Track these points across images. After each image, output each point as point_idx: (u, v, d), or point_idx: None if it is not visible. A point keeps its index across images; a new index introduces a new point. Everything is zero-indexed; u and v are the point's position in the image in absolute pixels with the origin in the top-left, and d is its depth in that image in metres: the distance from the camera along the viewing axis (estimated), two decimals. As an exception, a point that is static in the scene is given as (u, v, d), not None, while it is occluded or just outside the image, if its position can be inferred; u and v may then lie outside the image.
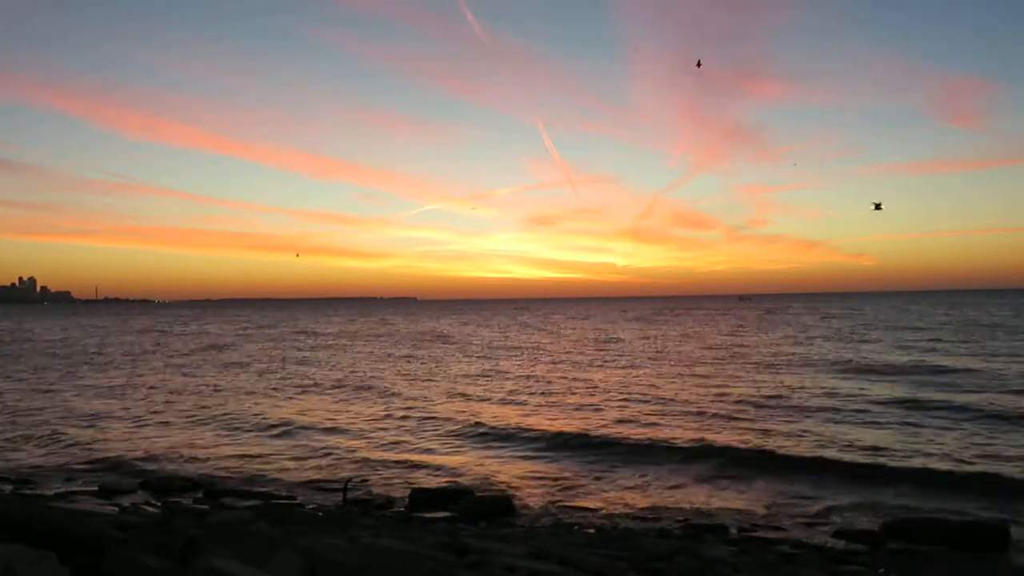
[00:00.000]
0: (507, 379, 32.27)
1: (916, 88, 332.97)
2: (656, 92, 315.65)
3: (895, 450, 16.35)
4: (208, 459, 16.85)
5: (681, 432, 18.94)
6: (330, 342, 60.87)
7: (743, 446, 17.09)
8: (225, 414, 23.24)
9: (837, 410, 21.76)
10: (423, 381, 31.75)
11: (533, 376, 33.22)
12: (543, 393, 27.32)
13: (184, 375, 35.23)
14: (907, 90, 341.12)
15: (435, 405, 24.68)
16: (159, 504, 12.27)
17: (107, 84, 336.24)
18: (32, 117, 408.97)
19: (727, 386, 27.58)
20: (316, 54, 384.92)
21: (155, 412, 23.75)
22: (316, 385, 30.78)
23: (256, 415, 22.96)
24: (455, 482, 14.51)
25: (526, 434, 19.37)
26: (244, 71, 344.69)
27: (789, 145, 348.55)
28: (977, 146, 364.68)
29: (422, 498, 13.11)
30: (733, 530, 11.50)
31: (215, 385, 30.96)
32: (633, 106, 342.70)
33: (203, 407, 24.69)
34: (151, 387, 30.38)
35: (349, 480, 14.25)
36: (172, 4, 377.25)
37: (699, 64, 38.37)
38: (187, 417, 22.82)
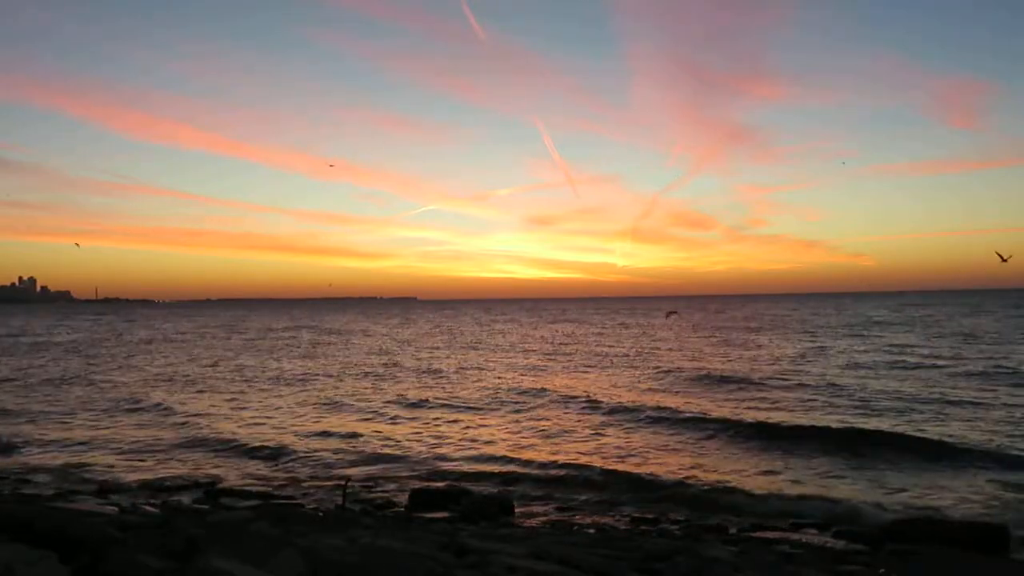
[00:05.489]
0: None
1: (916, 88, 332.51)
2: (656, 92, 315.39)
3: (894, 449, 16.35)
4: (208, 458, 16.86)
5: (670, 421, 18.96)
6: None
7: (737, 444, 17.09)
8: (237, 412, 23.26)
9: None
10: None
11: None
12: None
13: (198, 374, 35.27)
14: (907, 90, 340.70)
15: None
16: (159, 504, 12.27)
17: (107, 84, 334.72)
18: (32, 117, 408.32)
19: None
20: (316, 54, 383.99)
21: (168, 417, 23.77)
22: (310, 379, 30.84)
23: (259, 414, 22.96)
24: (455, 483, 14.51)
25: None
26: (244, 71, 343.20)
27: (789, 145, 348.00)
28: (977, 146, 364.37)
29: (422, 498, 13.09)
30: (733, 530, 11.49)
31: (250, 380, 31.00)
32: (633, 106, 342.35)
33: (214, 405, 24.73)
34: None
35: (349, 480, 14.24)
36: (172, 3, 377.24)
37: None
38: (192, 415, 22.84)
